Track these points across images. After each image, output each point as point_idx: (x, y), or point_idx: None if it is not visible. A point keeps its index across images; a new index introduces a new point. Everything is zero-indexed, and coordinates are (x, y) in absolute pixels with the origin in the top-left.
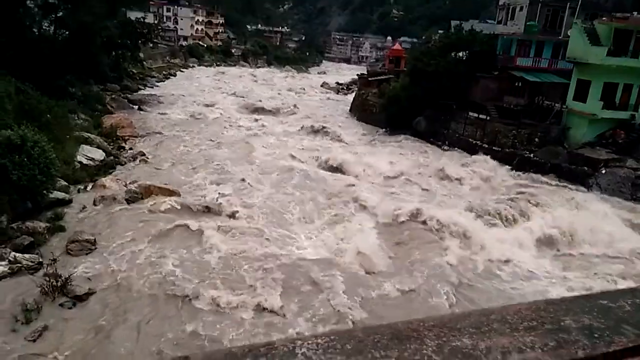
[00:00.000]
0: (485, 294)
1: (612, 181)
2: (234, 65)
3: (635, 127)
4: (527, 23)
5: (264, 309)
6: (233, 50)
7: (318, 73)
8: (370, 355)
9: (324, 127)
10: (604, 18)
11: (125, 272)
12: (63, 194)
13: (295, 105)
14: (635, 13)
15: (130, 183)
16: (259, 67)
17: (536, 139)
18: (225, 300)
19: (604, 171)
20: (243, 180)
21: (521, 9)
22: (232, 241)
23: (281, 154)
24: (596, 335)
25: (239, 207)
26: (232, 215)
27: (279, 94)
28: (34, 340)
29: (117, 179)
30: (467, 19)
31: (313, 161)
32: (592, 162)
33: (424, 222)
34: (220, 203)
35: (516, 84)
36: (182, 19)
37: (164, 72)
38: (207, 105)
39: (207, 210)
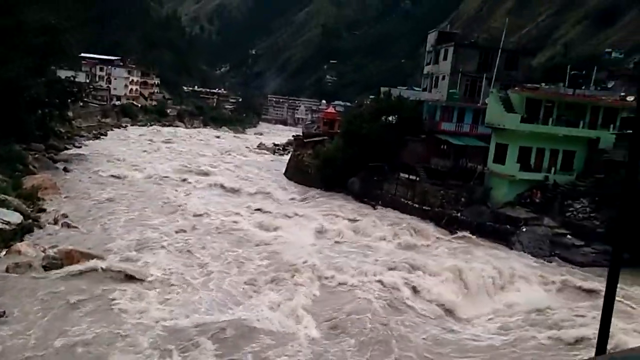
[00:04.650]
0: None
1: (532, 239)
2: (169, 125)
3: (549, 187)
4: (449, 91)
5: None
6: (168, 111)
7: (255, 134)
8: None
9: (259, 187)
10: (516, 88)
11: (34, 347)
12: None
13: (228, 166)
14: (543, 84)
15: (49, 248)
16: (195, 127)
17: (462, 199)
18: None
19: (524, 229)
20: (169, 244)
21: (443, 78)
22: (155, 311)
23: (211, 214)
24: None
25: (165, 272)
26: (158, 282)
27: (212, 154)
28: None
29: (35, 244)
30: (395, 86)
31: (245, 221)
32: (513, 220)
33: None
34: (144, 267)
35: (442, 147)
36: (115, 79)
37: (94, 132)
38: (135, 166)
39: (131, 277)
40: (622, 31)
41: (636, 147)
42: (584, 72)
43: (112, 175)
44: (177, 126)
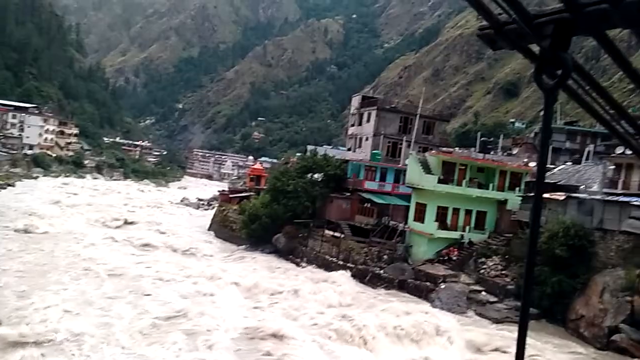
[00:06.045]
0: None
1: (450, 295)
2: (86, 177)
3: (465, 245)
4: (372, 151)
5: None
6: (86, 162)
7: (178, 188)
8: None
9: (178, 243)
10: (433, 151)
11: None
12: None
13: (146, 220)
14: (457, 148)
15: None
16: (115, 179)
17: (385, 256)
18: None
19: (443, 286)
20: (73, 303)
21: (367, 139)
22: None
23: (124, 270)
24: None
25: (70, 334)
26: (62, 345)
27: (131, 207)
28: None
29: None
30: (321, 145)
31: (159, 279)
32: (432, 277)
33: None
34: (47, 331)
35: (365, 205)
36: (29, 127)
37: None
38: (42, 219)
39: (33, 342)
40: (523, 104)
41: (537, 210)
42: (491, 139)
43: (14, 229)
44: (95, 178)
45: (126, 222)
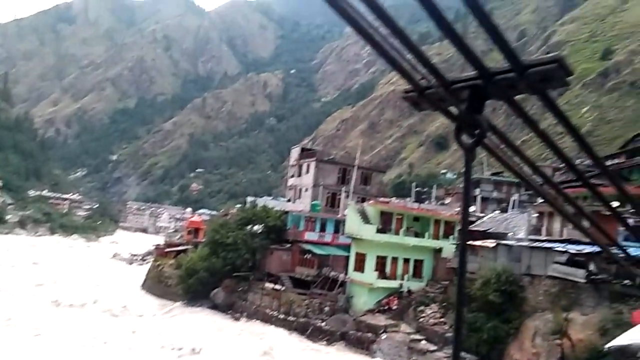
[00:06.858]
0: None
1: (391, 346)
2: (7, 234)
3: (404, 294)
4: (312, 202)
5: None
6: (8, 217)
7: (111, 242)
8: None
9: (105, 302)
10: (371, 201)
11: None
12: None
13: (70, 277)
14: (394, 198)
15: None
16: (40, 235)
17: (326, 308)
18: None
19: (384, 337)
20: None
21: (306, 190)
22: None
23: (42, 333)
24: None
25: None
26: None
27: (55, 264)
28: None
29: None
30: (261, 196)
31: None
32: (373, 328)
33: None
34: None
35: (306, 256)
36: None
37: None
38: None
39: None
40: (453, 156)
41: (463, 258)
42: (425, 189)
43: None
44: (17, 234)
45: (49, 281)
